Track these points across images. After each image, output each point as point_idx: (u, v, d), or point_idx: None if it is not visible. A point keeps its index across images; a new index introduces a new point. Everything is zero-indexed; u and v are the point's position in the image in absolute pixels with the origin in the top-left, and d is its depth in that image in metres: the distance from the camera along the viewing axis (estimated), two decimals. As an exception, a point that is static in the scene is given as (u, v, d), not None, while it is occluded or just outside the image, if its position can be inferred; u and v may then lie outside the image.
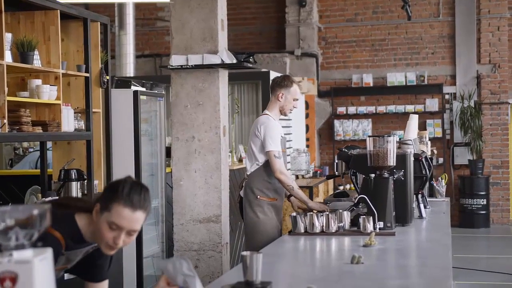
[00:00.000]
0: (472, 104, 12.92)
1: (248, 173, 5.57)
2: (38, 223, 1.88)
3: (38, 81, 5.33)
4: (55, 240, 2.73)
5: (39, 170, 6.12)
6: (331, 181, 11.32)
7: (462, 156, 13.11)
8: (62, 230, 2.76)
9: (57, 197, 5.32)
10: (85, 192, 5.89)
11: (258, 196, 5.45)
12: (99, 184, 6.16)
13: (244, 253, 2.86)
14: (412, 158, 4.89)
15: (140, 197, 2.72)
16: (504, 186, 13.14)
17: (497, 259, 10.02)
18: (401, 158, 4.73)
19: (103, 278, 3.09)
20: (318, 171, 11.18)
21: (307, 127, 12.85)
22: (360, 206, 4.64)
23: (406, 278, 3.28)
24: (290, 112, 5.65)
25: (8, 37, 5.03)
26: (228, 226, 6.02)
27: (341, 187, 11.06)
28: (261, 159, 5.43)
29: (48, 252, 1.88)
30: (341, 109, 13.47)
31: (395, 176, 4.64)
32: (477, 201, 12.72)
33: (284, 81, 5.56)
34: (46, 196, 5.54)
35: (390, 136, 4.62)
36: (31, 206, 1.92)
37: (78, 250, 2.88)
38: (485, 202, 12.75)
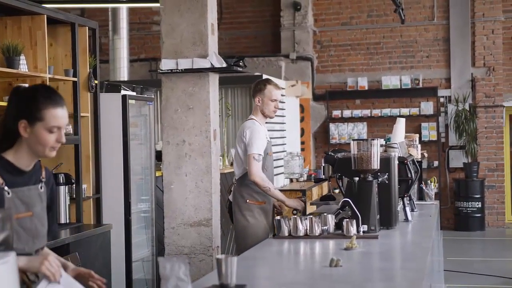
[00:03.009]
0: (467, 107, 12.93)
1: (236, 178, 5.60)
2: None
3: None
4: None
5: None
6: (325, 185, 11.32)
7: (457, 159, 13.11)
8: None
9: None
10: (74, 196, 5.91)
11: (248, 200, 5.50)
12: (87, 188, 6.17)
13: (219, 256, 2.89)
14: (396, 162, 4.89)
15: (58, 95, 2.91)
16: (499, 189, 13.14)
17: (492, 262, 10.02)
18: (385, 162, 4.72)
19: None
20: (313, 175, 11.17)
21: (303, 130, 12.87)
22: (346, 210, 4.64)
23: (381, 281, 3.30)
24: (275, 113, 5.66)
25: (-7, 42, 5.06)
26: (219, 230, 6.03)
27: (337, 191, 11.04)
28: (248, 163, 5.47)
29: (11, 256, 1.90)
30: (336, 113, 13.48)
31: (379, 180, 4.65)
32: (472, 204, 12.71)
33: (258, 85, 5.62)
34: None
35: (374, 139, 4.62)
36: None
37: (25, 187, 2.90)
38: (480, 205, 12.75)
